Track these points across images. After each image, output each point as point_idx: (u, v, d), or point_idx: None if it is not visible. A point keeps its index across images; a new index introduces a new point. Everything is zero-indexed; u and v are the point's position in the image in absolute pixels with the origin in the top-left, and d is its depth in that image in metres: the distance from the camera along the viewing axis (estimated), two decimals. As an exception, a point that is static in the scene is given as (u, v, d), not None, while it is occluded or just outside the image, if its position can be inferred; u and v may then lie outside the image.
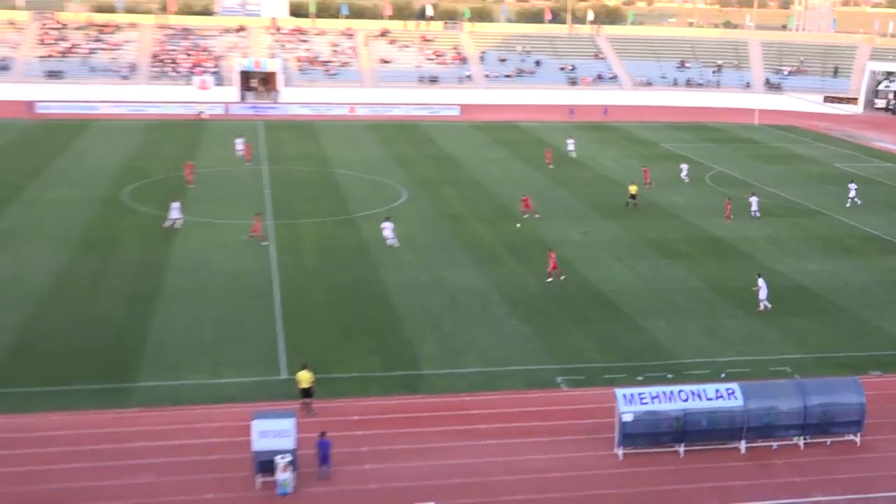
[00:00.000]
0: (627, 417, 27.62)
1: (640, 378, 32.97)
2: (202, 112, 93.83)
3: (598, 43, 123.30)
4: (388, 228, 48.76)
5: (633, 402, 27.81)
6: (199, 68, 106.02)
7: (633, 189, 59.11)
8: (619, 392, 28.17)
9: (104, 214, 53.89)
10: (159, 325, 36.86)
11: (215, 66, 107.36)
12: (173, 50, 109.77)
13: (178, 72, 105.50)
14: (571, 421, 29.95)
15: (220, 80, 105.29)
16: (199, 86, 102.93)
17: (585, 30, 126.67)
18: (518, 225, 52.83)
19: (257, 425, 25.78)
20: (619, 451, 27.89)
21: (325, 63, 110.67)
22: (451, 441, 28.44)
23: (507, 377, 33.10)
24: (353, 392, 31.45)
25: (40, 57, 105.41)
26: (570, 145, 77.92)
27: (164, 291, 40.77)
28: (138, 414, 29.58)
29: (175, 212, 51.16)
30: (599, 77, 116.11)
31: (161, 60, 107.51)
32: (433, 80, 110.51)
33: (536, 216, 55.16)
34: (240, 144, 73.52)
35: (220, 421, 29.16)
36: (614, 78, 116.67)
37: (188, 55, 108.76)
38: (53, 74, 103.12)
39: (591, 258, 47.48)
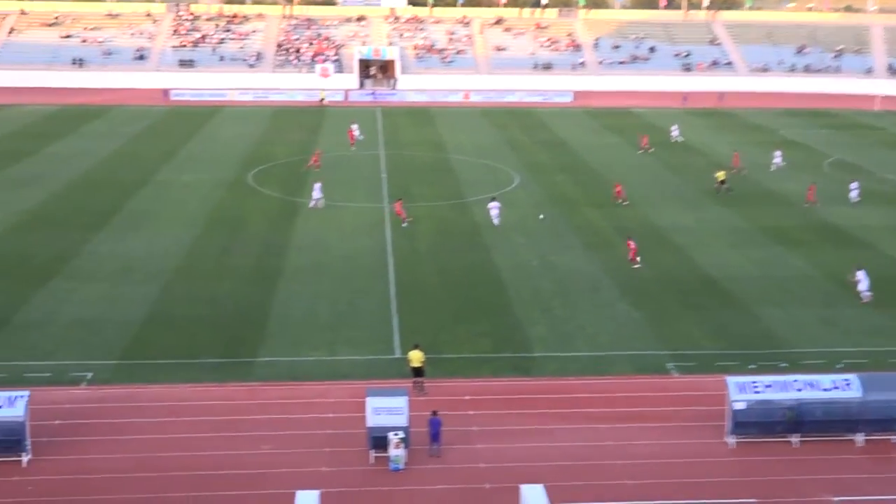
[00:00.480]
0: (739, 406, 26.65)
1: (752, 366, 31.80)
2: (324, 98, 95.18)
3: (714, 28, 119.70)
4: (495, 208, 48.45)
5: (746, 391, 26.80)
6: (320, 56, 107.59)
7: (720, 175, 57.23)
8: (731, 380, 27.20)
9: (231, 196, 55.21)
10: (280, 302, 37.50)
11: (336, 55, 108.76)
12: (297, 39, 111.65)
13: (300, 60, 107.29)
14: (682, 407, 29.10)
15: (340, 68, 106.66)
16: (320, 73, 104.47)
17: (701, 15, 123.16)
18: (541, 216, 50.55)
19: (371, 402, 25.90)
20: (731, 440, 26.94)
21: (441, 51, 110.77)
22: (561, 424, 28.01)
23: (617, 362, 32.42)
24: (465, 372, 31.32)
25: (174, 47, 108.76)
26: (675, 131, 76.05)
27: (285, 271, 41.47)
28: (258, 387, 30.14)
29: (317, 192, 52.15)
30: (714, 63, 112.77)
31: (285, 49, 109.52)
32: (547, 67, 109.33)
33: (625, 203, 53.90)
34: (356, 130, 74.29)
35: (335, 397, 29.45)
36: (729, 64, 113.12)
37: (310, 44, 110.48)
38: (186, 63, 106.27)
39: (704, 245, 46.12)
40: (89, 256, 43.06)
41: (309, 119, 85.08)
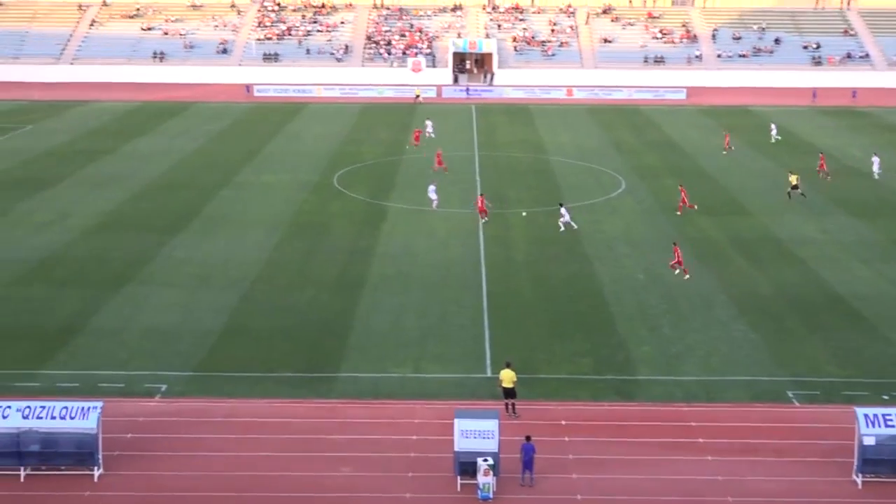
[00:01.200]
0: (869, 441, 25.84)
1: (885, 397, 30.81)
2: (419, 95, 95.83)
3: (849, 18, 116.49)
4: (566, 216, 48.41)
5: (877, 425, 25.98)
6: (412, 49, 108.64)
7: (793, 179, 55.58)
8: (861, 411, 26.40)
9: (314, 199, 56.18)
10: (364, 314, 37.96)
11: (429, 48, 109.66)
12: (388, 31, 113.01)
13: (391, 53, 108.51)
14: (803, 441, 28.37)
15: (433, 62, 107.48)
16: (412, 68, 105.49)
17: (834, 3, 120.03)
18: (524, 213, 51.60)
19: (460, 424, 25.97)
20: (858, 479, 26.14)
21: (542, 43, 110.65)
22: (666, 454, 27.62)
23: (731, 388, 31.80)
24: (561, 395, 31.16)
25: (258, 40, 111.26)
26: (773, 130, 74.70)
27: (370, 279, 41.97)
28: (339, 405, 30.55)
29: (433, 193, 53.00)
30: (848, 56, 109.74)
31: (375, 42, 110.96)
32: (658, 61, 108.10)
33: (694, 208, 52.93)
34: (430, 127, 74.74)
35: (421, 417, 29.65)
36: (865, 57, 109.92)
37: (402, 36, 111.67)
38: (270, 57, 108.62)
39: (830, 258, 44.91)
40: (166, 261, 44.38)
41: (399, 117, 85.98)
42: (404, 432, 28.76)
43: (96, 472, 26.19)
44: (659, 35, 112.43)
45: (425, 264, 44.09)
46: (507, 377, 29.68)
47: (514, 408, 29.65)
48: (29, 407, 26.29)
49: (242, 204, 54.75)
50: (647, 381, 32.23)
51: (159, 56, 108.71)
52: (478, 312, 38.20)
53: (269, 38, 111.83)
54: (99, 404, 26.62)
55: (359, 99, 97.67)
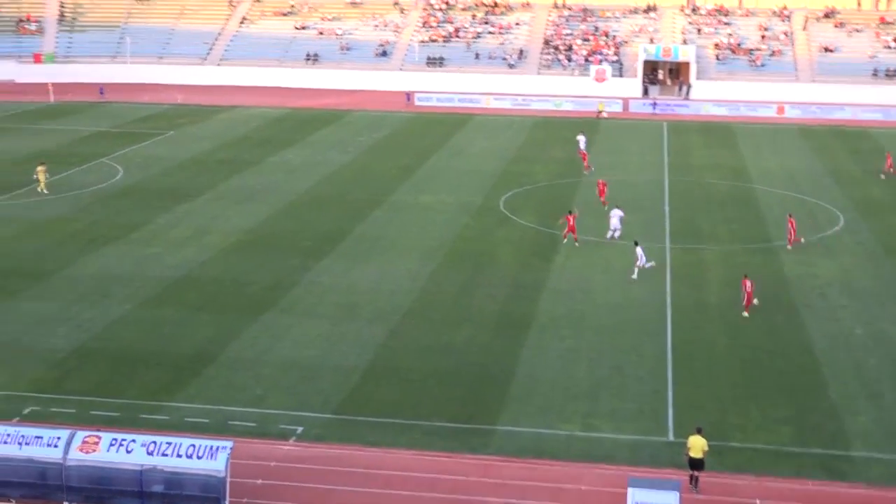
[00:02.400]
0: None
1: None
2: (602, 110, 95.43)
3: None
4: (641, 259, 47.16)
5: None
6: (596, 56, 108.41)
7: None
8: None
9: (477, 224, 56.60)
10: (528, 359, 37.88)
11: (616, 54, 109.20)
12: (569, 34, 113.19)
13: (571, 60, 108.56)
14: None
15: (619, 71, 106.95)
16: (595, 77, 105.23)
17: None
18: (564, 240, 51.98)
19: (634, 495, 25.57)
20: None
21: (750, 51, 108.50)
22: (884, 549, 26.34)
23: (969, 473, 30.11)
24: (756, 468, 30.21)
25: (422, 42, 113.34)
26: None
27: (537, 319, 41.88)
28: (495, 463, 30.50)
29: (615, 220, 53.05)
30: None
31: (554, 47, 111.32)
32: (891, 75, 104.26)
33: (801, 241, 51.46)
34: (582, 143, 74.68)
35: (589, 484, 29.29)
36: None
37: (585, 40, 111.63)
38: (434, 61, 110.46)
39: None
40: (310, 287, 45.54)
41: (577, 133, 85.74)
42: (568, 500, 28.46)
43: (222, 520, 27.00)
44: (892, 44, 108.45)
45: (601, 304, 43.68)
46: (697, 445, 28.92)
47: (697, 481, 28.89)
48: (154, 442, 27.35)
49: (396, 227, 55.69)
50: (862, 459, 30.90)
51: (312, 58, 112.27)
52: (660, 364, 37.53)
53: (434, 40, 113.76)
54: (229, 444, 27.43)
55: (532, 111, 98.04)
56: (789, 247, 52.03)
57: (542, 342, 39.50)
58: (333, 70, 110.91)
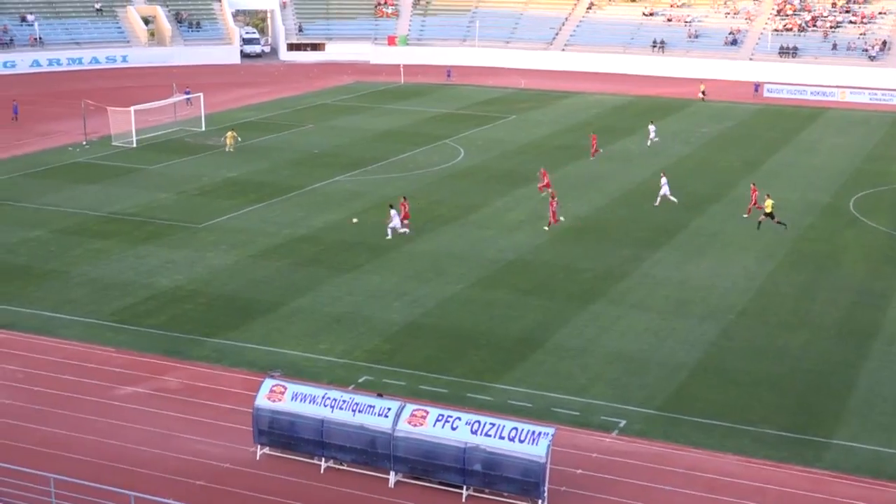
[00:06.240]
0: None
1: None
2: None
3: None
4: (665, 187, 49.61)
5: None
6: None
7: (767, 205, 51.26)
8: None
9: (823, 224, 54.11)
10: (872, 371, 35.88)
11: None
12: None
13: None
14: None
15: None
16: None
17: None
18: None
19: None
20: None
21: None
22: None
23: None
24: None
25: (776, 31, 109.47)
26: None
27: (885, 329, 39.58)
28: (826, 478, 29.06)
29: None
30: None
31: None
32: None
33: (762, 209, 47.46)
34: (653, 132, 72.22)
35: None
36: None
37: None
38: (787, 52, 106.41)
39: None
40: (642, 279, 45.15)
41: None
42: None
43: (539, 506, 27.28)
44: None
45: (958, 319, 40.61)
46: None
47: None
48: (478, 422, 27.97)
49: (735, 223, 54.08)
50: None
51: (659, 45, 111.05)
52: None
53: (789, 29, 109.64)
54: (551, 431, 27.61)
55: (893, 107, 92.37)
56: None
57: (890, 355, 37.20)
58: (679, 58, 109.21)
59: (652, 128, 74.43)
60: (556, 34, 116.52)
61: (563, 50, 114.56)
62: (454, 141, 75.11)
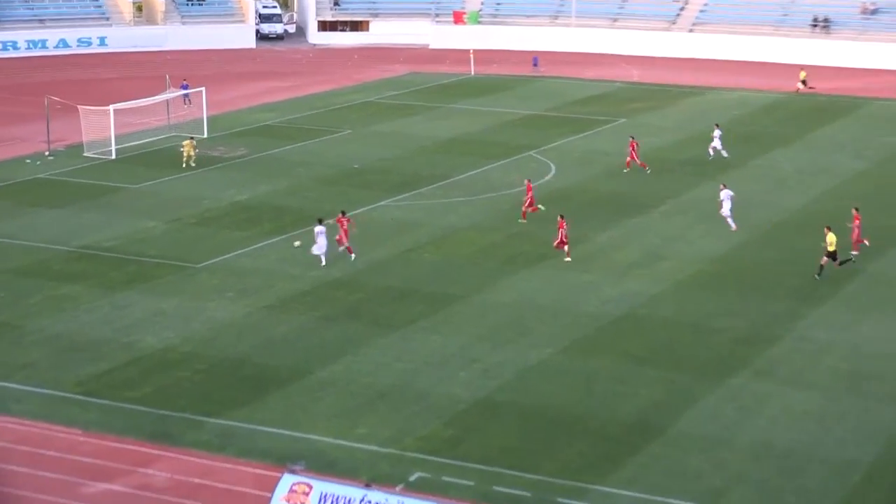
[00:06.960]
0: None
1: None
2: None
3: None
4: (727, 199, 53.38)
5: None
6: None
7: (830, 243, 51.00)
8: None
9: None
10: None
11: None
12: None
13: None
14: None
15: None
16: None
17: None
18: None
19: None
20: None
21: None
22: None
23: None
24: None
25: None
26: None
27: None
28: None
29: None
30: None
31: None
32: None
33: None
34: (717, 139, 72.20)
35: None
36: None
37: None
38: None
39: None
40: (799, 343, 44.87)
41: None
42: None
43: None
44: None
45: None
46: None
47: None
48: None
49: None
50: None
51: (822, 24, 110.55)
52: None
53: None
54: None
55: None
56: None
57: None
58: (850, 41, 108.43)
59: (717, 133, 73.57)
60: (682, 9, 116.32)
61: (691, 31, 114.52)
62: (541, 153, 75.09)
